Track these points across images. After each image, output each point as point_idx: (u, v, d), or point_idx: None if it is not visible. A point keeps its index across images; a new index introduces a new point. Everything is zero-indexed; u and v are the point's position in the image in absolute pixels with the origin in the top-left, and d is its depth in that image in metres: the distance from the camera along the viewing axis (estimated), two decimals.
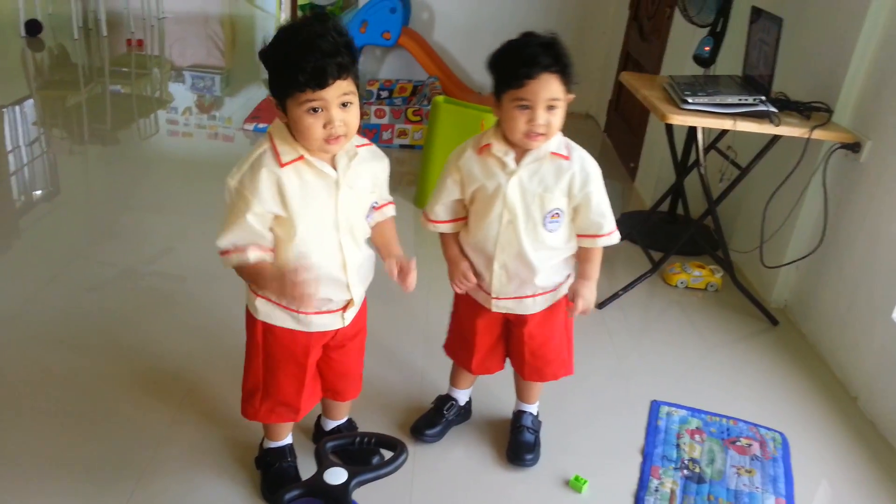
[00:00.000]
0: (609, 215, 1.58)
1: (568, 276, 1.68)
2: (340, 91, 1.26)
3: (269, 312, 1.46)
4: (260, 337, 1.50)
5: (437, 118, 3.14)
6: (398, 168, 3.67)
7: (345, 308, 1.49)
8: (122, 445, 1.77)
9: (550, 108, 1.43)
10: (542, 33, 1.44)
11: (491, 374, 1.82)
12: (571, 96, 1.48)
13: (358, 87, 1.31)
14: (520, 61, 1.41)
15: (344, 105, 1.28)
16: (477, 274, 1.63)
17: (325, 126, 1.28)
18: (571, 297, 1.61)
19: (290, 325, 1.47)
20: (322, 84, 1.23)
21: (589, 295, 1.60)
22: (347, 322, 1.51)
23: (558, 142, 1.52)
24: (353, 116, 1.31)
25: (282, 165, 1.32)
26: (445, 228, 1.63)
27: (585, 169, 1.53)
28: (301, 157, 1.33)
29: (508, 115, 1.45)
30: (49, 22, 6.50)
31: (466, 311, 1.72)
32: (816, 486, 1.87)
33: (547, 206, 1.52)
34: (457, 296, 1.75)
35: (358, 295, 1.49)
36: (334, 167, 1.36)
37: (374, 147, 1.45)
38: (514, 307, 1.65)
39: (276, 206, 1.33)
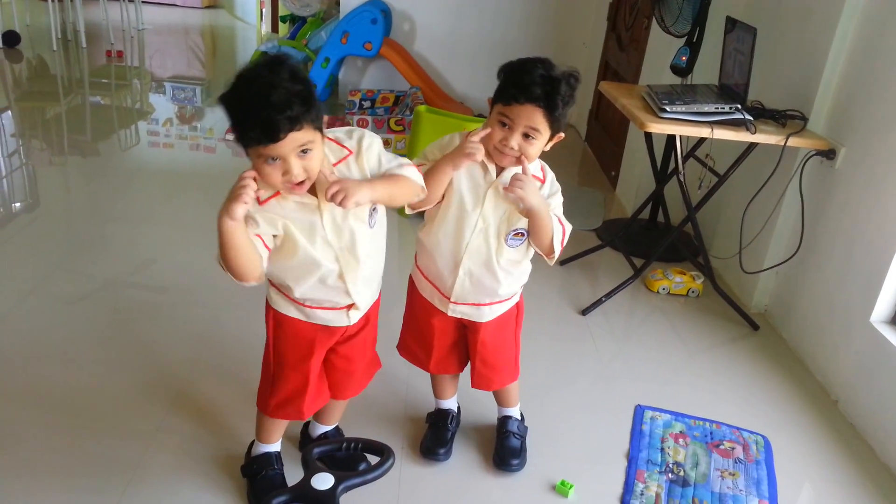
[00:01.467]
0: (567, 227, 1.58)
1: (521, 287, 1.70)
2: (295, 143, 1.24)
3: (279, 301, 1.49)
4: (272, 328, 1.53)
5: (420, 127, 3.16)
6: None
7: (350, 307, 1.50)
8: (107, 455, 1.76)
9: (527, 136, 1.45)
10: (557, 66, 1.44)
11: (449, 374, 1.83)
12: (560, 135, 1.50)
13: (320, 129, 1.29)
14: (515, 84, 1.43)
15: (304, 152, 1.26)
16: (438, 279, 1.63)
17: (283, 174, 1.26)
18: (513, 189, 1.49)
19: (297, 316, 1.49)
20: (273, 139, 1.21)
21: (533, 195, 1.49)
22: (353, 321, 1.53)
23: (536, 165, 1.55)
24: (314, 162, 1.28)
25: (261, 203, 1.33)
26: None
27: (553, 186, 1.58)
28: (277, 193, 1.34)
29: (490, 123, 1.48)
30: (27, 33, 6.45)
31: (422, 312, 1.72)
32: (799, 488, 1.90)
33: (513, 223, 1.54)
34: (412, 297, 1.76)
35: (362, 300, 1.50)
36: (314, 193, 1.35)
37: (352, 157, 1.40)
38: (470, 313, 1.66)
39: (271, 229, 1.35)
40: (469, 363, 1.79)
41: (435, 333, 1.72)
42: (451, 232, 1.56)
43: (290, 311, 1.49)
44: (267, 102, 1.19)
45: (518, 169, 1.48)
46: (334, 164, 1.36)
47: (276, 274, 1.43)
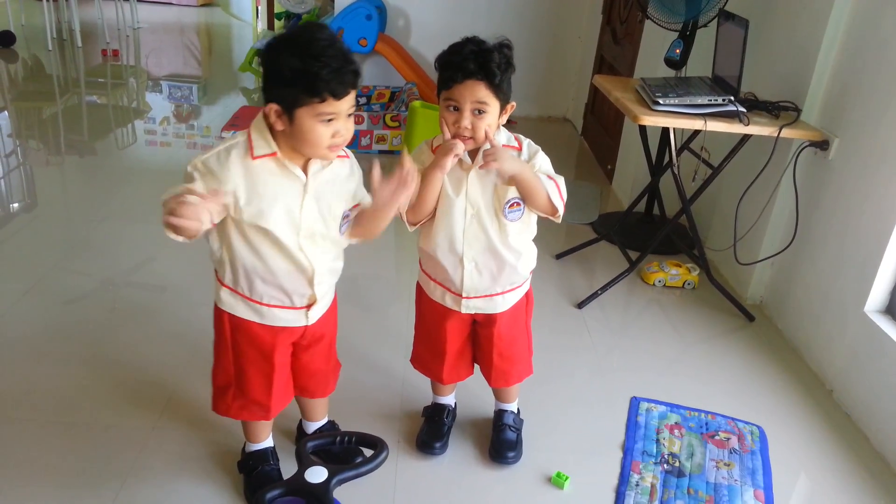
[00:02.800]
0: (559, 180, 1.57)
1: (531, 273, 1.70)
2: (351, 102, 1.30)
3: (233, 304, 1.46)
4: (228, 331, 1.49)
5: (415, 123, 3.17)
6: None
7: (308, 306, 1.49)
8: (103, 453, 1.77)
9: (478, 111, 1.46)
10: (484, 40, 1.46)
11: (461, 381, 1.84)
12: (512, 104, 1.51)
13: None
14: (450, 65, 1.45)
15: (349, 115, 1.32)
16: (445, 278, 1.64)
17: (333, 135, 1.30)
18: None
19: (253, 318, 1.47)
20: (342, 94, 1.26)
21: (508, 161, 1.48)
22: (312, 321, 1.51)
23: (507, 136, 1.56)
24: (352, 126, 1.35)
25: (253, 158, 1.33)
26: None
27: (532, 148, 1.58)
28: (274, 154, 1.34)
29: (441, 114, 1.50)
30: (22, 33, 6.45)
31: (433, 317, 1.72)
32: (794, 478, 1.91)
33: (503, 196, 1.54)
34: (421, 305, 1.76)
35: (321, 293, 1.48)
36: (305, 172, 1.37)
37: (349, 161, 1.46)
38: (483, 306, 1.66)
39: (240, 192, 1.32)
40: (476, 367, 1.81)
41: (447, 339, 1.72)
42: (445, 229, 1.57)
43: (247, 313, 1.46)
44: (334, 57, 1.23)
45: (488, 147, 1.49)
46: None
47: (241, 257, 1.39)
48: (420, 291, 1.75)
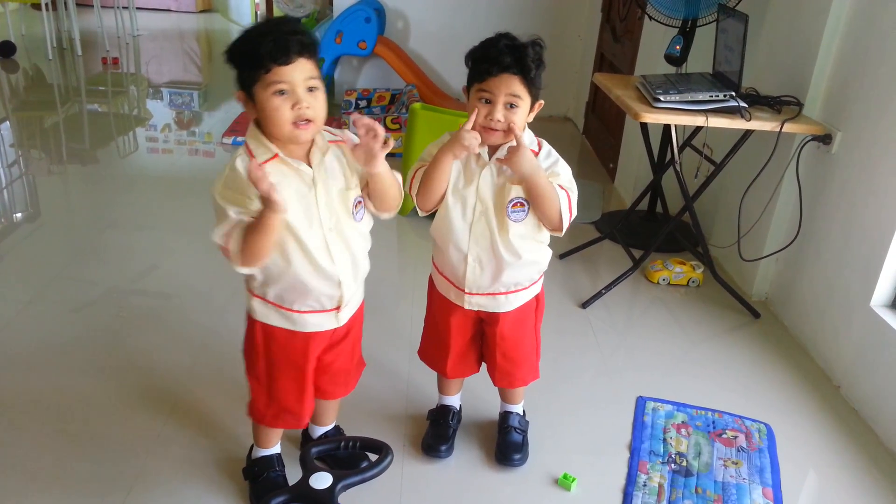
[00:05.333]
0: (573, 195, 1.56)
1: (540, 276, 1.69)
2: (306, 73, 1.29)
3: (266, 313, 1.46)
4: (260, 340, 1.50)
5: (416, 125, 3.16)
6: None
7: (338, 308, 1.49)
8: (110, 460, 1.77)
9: (511, 105, 1.47)
10: (518, 36, 1.48)
11: (466, 377, 1.83)
12: (540, 102, 1.51)
13: (320, 78, 1.34)
14: (485, 58, 1.46)
15: (310, 90, 1.31)
16: (451, 272, 1.63)
17: (293, 107, 1.29)
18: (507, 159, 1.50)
19: (286, 326, 1.47)
20: (286, 58, 1.26)
21: (524, 161, 1.47)
22: (343, 322, 1.52)
23: (531, 138, 1.55)
24: (320, 102, 1.33)
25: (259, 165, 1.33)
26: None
27: (551, 155, 1.57)
28: (276, 156, 1.34)
29: (472, 106, 1.50)
30: (23, 43, 6.47)
31: (440, 310, 1.72)
32: (803, 475, 1.90)
33: (507, 194, 1.53)
34: (431, 297, 1.76)
35: (350, 292, 1.49)
36: (309, 165, 1.38)
37: (346, 144, 1.43)
38: (486, 304, 1.65)
39: (259, 202, 1.32)
40: (484, 365, 1.80)
41: (452, 332, 1.71)
42: (453, 222, 1.56)
43: (280, 321, 1.47)
44: (278, 27, 1.27)
45: (508, 147, 1.49)
46: (330, 143, 1.41)
47: (270, 264, 1.39)
48: (431, 284, 1.75)
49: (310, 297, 1.44)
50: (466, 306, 1.66)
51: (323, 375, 1.60)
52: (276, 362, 1.52)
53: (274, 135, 1.34)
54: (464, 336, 1.73)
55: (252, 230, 1.31)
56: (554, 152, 1.58)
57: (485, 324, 1.72)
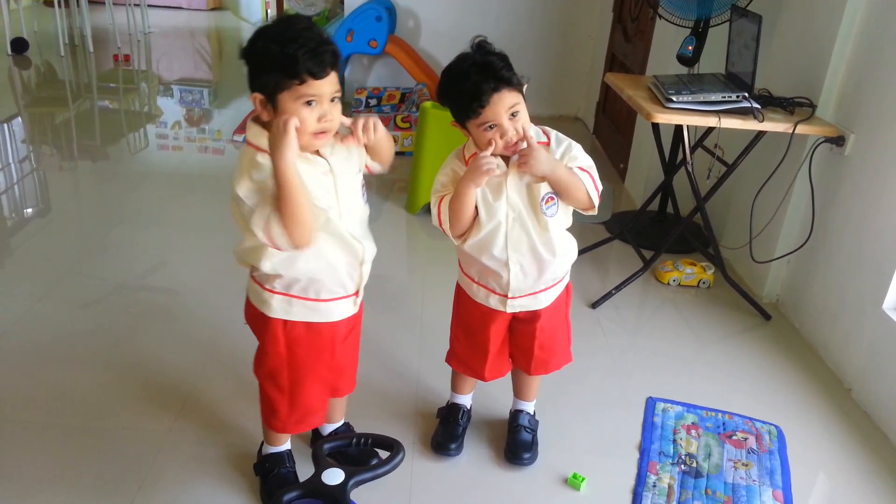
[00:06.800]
0: (593, 171, 1.56)
1: (570, 267, 1.70)
2: (334, 86, 1.30)
3: (288, 309, 1.44)
4: (282, 344, 1.47)
5: (426, 124, 3.16)
6: (389, 175, 3.68)
7: (357, 292, 1.50)
8: (120, 457, 1.77)
9: (513, 115, 1.47)
10: (472, 52, 1.47)
11: (503, 376, 1.83)
12: (524, 84, 1.51)
13: (341, 88, 1.34)
14: (468, 96, 1.44)
15: (332, 100, 1.31)
16: (490, 281, 1.63)
17: (318, 119, 1.30)
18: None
19: (313, 318, 1.46)
20: (322, 72, 1.26)
21: (539, 161, 1.48)
22: (357, 306, 1.53)
23: (536, 131, 1.55)
24: (338, 112, 1.34)
25: None
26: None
27: (561, 140, 1.56)
28: None
29: (481, 138, 1.49)
30: (35, 40, 6.50)
31: (478, 319, 1.70)
32: (813, 477, 1.89)
33: (538, 192, 1.53)
34: (461, 306, 1.75)
35: (367, 272, 1.50)
36: (320, 156, 1.38)
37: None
38: (528, 304, 1.66)
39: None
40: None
41: (490, 338, 1.71)
42: (488, 234, 1.55)
43: (305, 315, 1.45)
44: (310, 38, 1.24)
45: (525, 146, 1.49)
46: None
47: (299, 254, 1.37)
48: (460, 293, 1.74)
49: (335, 280, 1.44)
50: (508, 310, 1.66)
51: (334, 372, 1.60)
52: (302, 365, 1.49)
53: None
54: (499, 338, 1.74)
55: (280, 200, 1.27)
56: (563, 136, 1.58)
57: (519, 321, 1.72)
